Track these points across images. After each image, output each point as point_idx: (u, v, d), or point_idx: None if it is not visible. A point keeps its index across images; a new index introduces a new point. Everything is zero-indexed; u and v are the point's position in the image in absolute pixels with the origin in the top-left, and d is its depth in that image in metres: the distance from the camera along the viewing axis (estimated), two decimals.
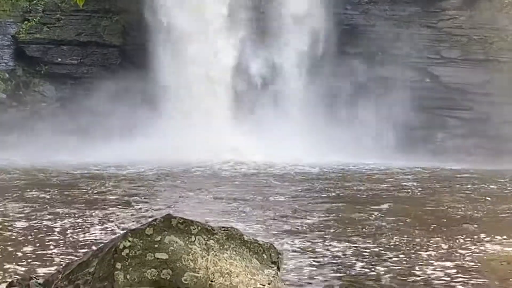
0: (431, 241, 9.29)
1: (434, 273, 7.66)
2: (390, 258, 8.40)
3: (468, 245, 9.13)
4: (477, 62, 27.34)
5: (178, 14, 26.10)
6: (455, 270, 7.73)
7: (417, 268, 7.87)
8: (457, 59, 27.79)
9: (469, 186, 16.55)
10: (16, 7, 27.98)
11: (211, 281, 4.34)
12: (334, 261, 8.23)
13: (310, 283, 7.28)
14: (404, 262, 8.20)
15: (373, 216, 11.42)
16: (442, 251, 8.74)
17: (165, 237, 4.44)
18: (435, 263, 8.05)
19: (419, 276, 7.56)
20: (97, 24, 28.40)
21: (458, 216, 11.62)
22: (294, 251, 8.68)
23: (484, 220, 11.16)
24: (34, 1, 28.30)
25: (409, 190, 15.73)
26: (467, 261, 8.24)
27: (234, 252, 4.52)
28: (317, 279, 7.42)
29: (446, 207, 12.72)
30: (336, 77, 26.91)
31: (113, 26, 28.44)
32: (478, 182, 17.53)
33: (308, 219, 11.19)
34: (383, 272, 7.68)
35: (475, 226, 10.47)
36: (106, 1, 28.14)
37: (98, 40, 28.30)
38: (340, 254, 8.60)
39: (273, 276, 4.53)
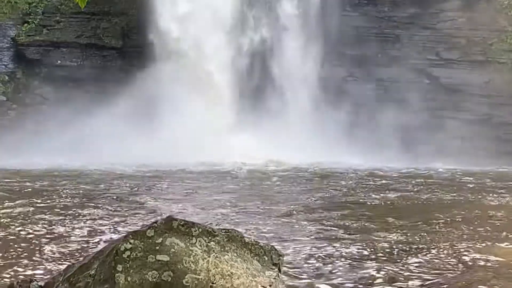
0: None
1: None
2: None
3: None
4: (476, 64, 27.36)
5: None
6: None
7: None
8: (456, 60, 27.80)
9: None
10: (16, 10, 27.98)
11: (212, 283, 4.34)
12: None
13: None
14: None
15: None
16: None
17: (166, 239, 4.44)
18: None
19: None
20: (97, 26, 28.40)
21: None
22: None
23: None
24: (34, 4, 28.29)
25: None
26: None
27: (235, 254, 4.52)
28: None
29: None
30: (336, 79, 26.91)
31: (112, 28, 28.45)
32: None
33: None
34: None
35: None
36: (105, 3, 28.13)
37: (98, 42, 28.31)
38: None
39: (274, 278, 4.53)
